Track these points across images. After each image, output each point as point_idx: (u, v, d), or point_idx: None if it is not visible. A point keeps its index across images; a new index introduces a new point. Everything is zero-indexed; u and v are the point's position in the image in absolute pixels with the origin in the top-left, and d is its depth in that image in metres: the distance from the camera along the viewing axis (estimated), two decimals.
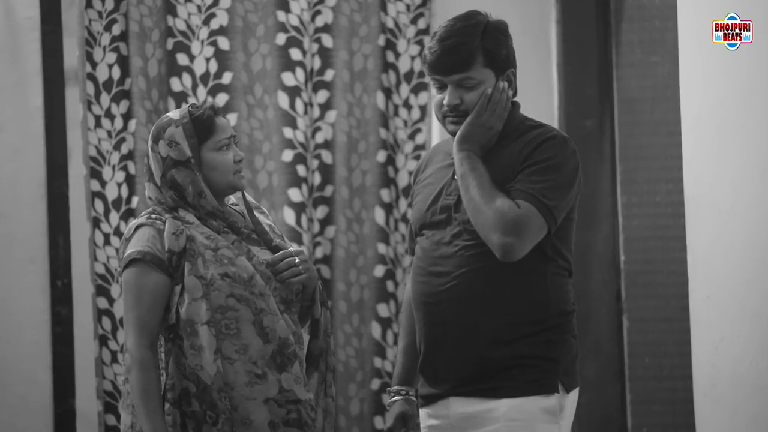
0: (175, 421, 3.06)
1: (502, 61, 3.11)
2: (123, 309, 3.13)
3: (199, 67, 4.69)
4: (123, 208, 4.57)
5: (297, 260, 3.16)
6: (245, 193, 3.27)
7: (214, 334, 3.05)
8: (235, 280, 3.08)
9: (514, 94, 3.15)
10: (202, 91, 4.67)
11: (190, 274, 3.07)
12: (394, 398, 3.30)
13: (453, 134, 3.13)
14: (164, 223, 3.11)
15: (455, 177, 3.13)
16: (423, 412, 3.22)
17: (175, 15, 4.66)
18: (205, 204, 3.14)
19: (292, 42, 4.73)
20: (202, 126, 3.15)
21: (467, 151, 3.08)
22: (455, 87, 3.10)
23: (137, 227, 3.13)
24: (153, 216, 3.13)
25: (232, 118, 4.68)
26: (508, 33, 3.14)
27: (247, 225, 3.20)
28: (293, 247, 3.21)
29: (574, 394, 3.15)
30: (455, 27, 3.11)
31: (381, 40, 4.79)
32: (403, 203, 4.82)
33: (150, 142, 3.17)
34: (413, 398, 3.30)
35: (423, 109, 4.83)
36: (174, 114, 3.17)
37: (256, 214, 3.25)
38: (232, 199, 3.26)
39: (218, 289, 3.07)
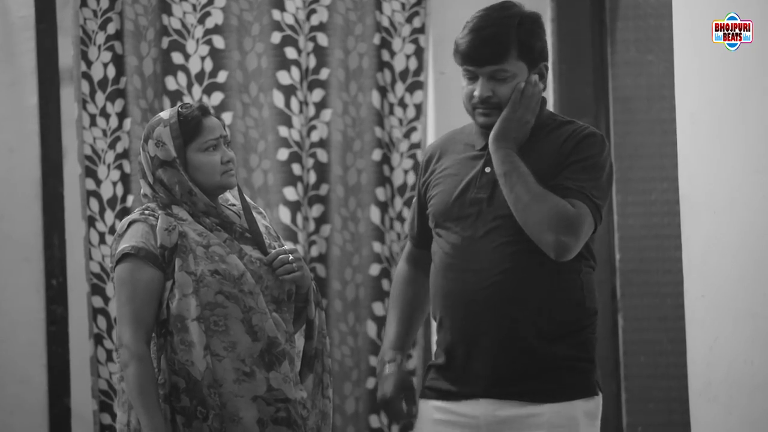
0: (165, 416, 3.07)
1: (536, 54, 3.04)
2: (116, 304, 3.13)
3: (194, 66, 4.68)
4: (118, 207, 4.57)
5: (291, 257, 3.17)
6: (243, 193, 3.27)
7: (204, 330, 3.05)
8: (224, 278, 3.09)
9: (544, 88, 3.10)
10: (197, 89, 4.67)
11: (180, 270, 3.07)
12: (391, 367, 3.22)
13: (483, 126, 3.07)
14: (157, 219, 3.12)
15: (486, 170, 3.08)
16: (433, 405, 3.14)
17: (170, 14, 4.66)
18: (197, 201, 3.15)
19: (287, 41, 4.73)
20: (188, 127, 3.15)
21: (505, 149, 3.02)
22: (487, 79, 3.03)
23: (130, 223, 3.14)
24: (146, 212, 3.15)
25: (227, 117, 4.68)
26: (542, 25, 3.08)
27: (241, 224, 3.20)
28: (287, 246, 3.22)
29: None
30: (491, 17, 3.03)
31: (376, 39, 4.79)
32: (398, 202, 4.82)
33: (141, 141, 3.19)
34: (407, 366, 3.24)
35: (418, 107, 4.83)
36: (164, 114, 3.19)
37: (254, 214, 3.26)
38: (231, 199, 3.27)
39: (207, 285, 3.07)
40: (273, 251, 3.18)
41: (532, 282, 3.02)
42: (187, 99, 4.64)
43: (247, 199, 3.27)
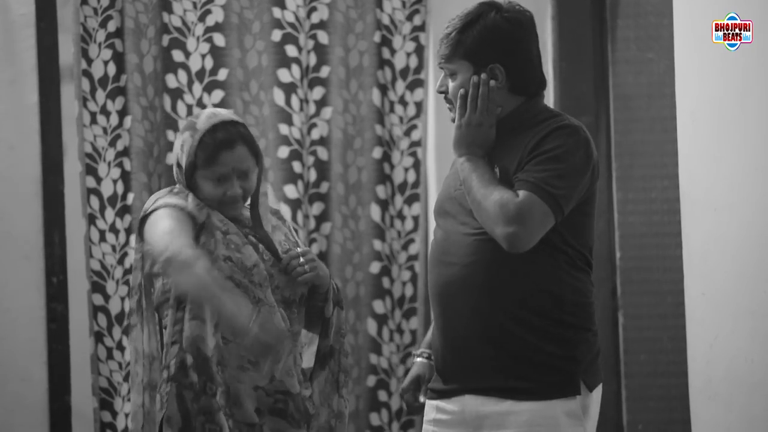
0: (172, 392, 3.08)
1: (481, 56, 3.07)
2: (154, 237, 3.05)
3: (194, 64, 4.68)
4: (119, 205, 4.57)
5: (302, 260, 3.18)
6: (257, 208, 3.27)
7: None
8: (236, 266, 3.11)
9: (525, 89, 3.11)
10: (197, 87, 4.66)
11: (203, 247, 3.10)
12: (416, 359, 3.29)
13: (451, 120, 3.13)
14: (187, 196, 3.16)
15: None
16: (431, 405, 3.18)
17: (170, 11, 4.66)
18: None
19: (288, 38, 4.73)
20: (203, 153, 3.16)
21: (465, 155, 3.07)
22: (444, 74, 3.13)
23: (158, 201, 3.15)
24: (175, 190, 3.20)
25: None
26: (501, 29, 3.09)
27: (256, 236, 3.22)
28: (300, 248, 3.23)
29: (598, 392, 3.10)
30: (456, 17, 3.13)
31: (377, 37, 4.79)
32: (398, 200, 4.82)
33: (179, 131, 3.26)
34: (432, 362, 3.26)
35: (419, 105, 4.83)
36: (201, 122, 3.18)
37: (275, 220, 3.28)
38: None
39: (219, 269, 3.09)
40: (286, 256, 3.19)
41: (498, 274, 3.03)
42: (187, 96, 4.63)
43: (261, 212, 3.26)
